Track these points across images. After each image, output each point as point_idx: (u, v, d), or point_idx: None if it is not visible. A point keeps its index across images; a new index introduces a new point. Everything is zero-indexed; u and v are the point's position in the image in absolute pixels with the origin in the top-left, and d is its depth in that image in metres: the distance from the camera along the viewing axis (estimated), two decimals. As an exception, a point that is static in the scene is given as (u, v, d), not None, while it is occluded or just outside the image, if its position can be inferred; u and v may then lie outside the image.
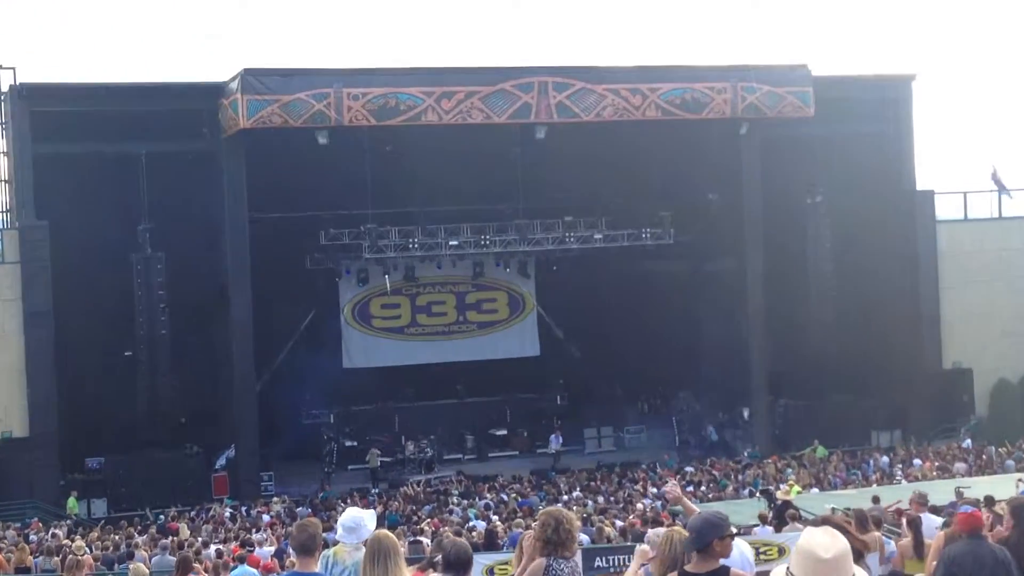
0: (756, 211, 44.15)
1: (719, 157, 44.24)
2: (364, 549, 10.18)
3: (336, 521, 28.67)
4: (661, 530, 10.81)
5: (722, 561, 7.99)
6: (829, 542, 5.93)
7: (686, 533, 8.53)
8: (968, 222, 48.00)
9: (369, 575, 8.42)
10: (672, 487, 10.36)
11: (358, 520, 9.68)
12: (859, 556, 7.71)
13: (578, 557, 9.57)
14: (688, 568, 8.00)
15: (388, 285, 46.18)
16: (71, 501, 37.72)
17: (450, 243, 43.55)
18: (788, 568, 6.00)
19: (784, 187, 44.77)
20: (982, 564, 10.14)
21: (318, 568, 9.74)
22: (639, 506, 29.97)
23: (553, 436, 45.67)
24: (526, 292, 49.69)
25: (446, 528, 26.85)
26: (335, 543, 10.54)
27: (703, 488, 34.11)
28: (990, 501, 18.25)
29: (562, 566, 9.11)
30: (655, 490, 33.01)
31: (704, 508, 14.62)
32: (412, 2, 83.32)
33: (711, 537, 7.98)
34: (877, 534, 16.40)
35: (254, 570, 18.34)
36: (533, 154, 42.61)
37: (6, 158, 40.61)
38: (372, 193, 41.34)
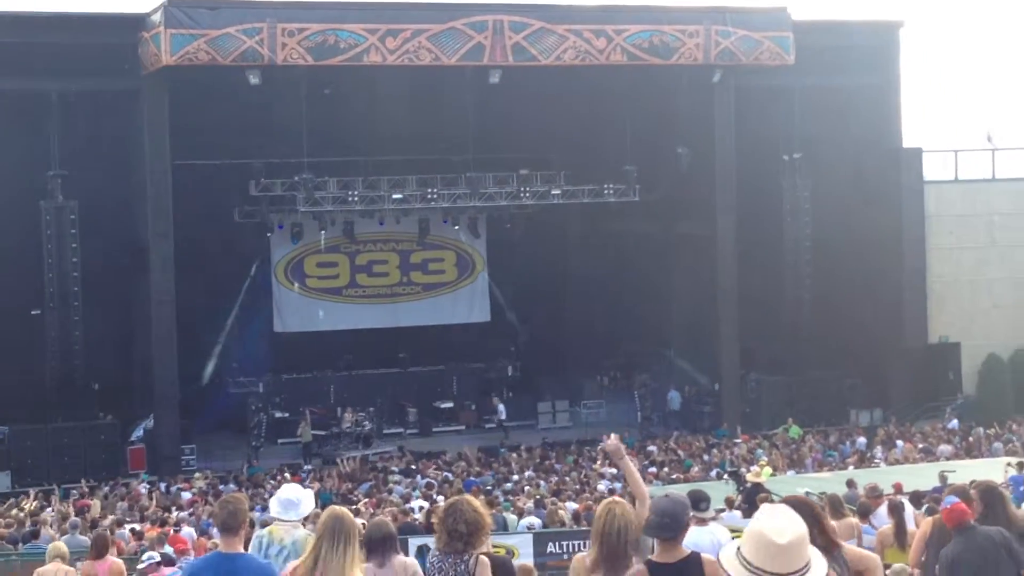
0: (729, 168, 44.20)
1: (689, 108, 44.24)
2: (303, 528, 10.14)
3: (264, 500, 28.69)
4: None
5: (690, 547, 7.90)
6: (785, 525, 5.86)
7: (631, 511, 8.32)
8: (958, 183, 48.27)
9: (328, 558, 8.33)
10: (613, 440, 10.06)
11: (298, 496, 9.63)
12: (827, 550, 7.61)
13: (528, 540, 9.51)
14: (654, 558, 7.84)
15: (323, 242, 46.03)
16: None
17: (393, 196, 43.39)
18: (739, 549, 5.95)
19: (760, 142, 44.85)
20: (984, 555, 10.43)
21: (249, 549, 9.68)
22: (600, 487, 30.07)
23: (500, 406, 45.77)
24: (476, 252, 49.66)
25: (384, 508, 26.86)
26: (266, 523, 10.49)
27: (666, 469, 34.26)
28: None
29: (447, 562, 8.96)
30: (614, 471, 33.13)
31: (665, 490, 14.62)
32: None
33: (686, 520, 7.89)
34: (854, 520, 16.55)
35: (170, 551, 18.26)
36: (486, 100, 42.47)
37: (-99, 94, 40.03)
38: (308, 140, 41.05)
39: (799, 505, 7.95)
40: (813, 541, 6.15)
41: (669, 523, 7.74)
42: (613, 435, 10.42)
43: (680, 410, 46.33)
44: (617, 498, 8.88)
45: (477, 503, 9.17)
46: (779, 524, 5.86)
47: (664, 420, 46.07)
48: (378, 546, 9.22)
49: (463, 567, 8.87)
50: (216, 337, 46.26)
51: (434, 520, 9.04)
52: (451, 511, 8.93)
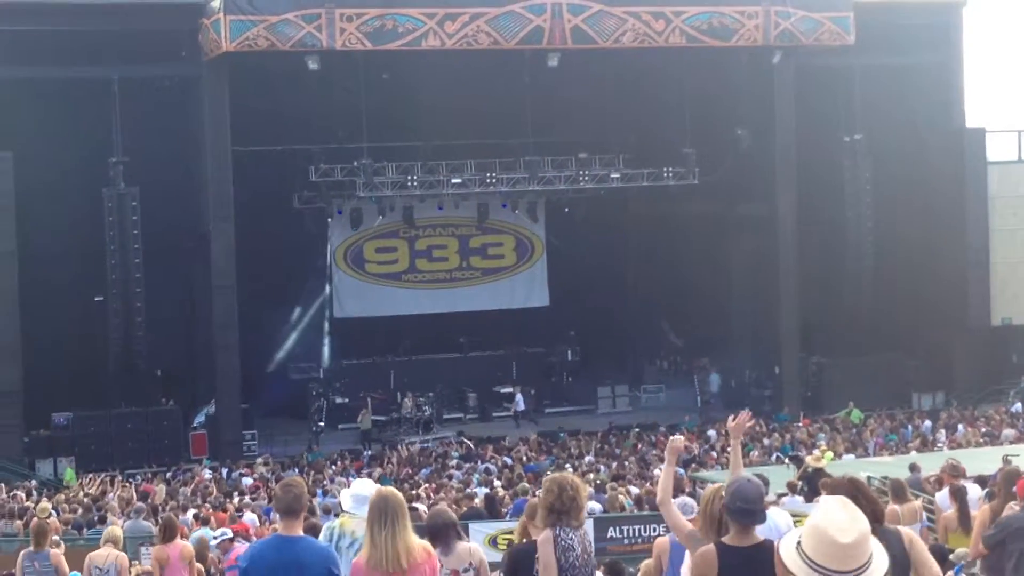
0: (789, 149, 43.96)
1: (749, 89, 44.05)
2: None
3: (325, 486, 28.84)
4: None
5: (763, 535, 7.79)
6: (848, 523, 5.77)
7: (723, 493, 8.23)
8: (1022, 163, 47.78)
9: (375, 536, 8.40)
10: (677, 439, 10.19)
11: (370, 491, 9.69)
12: (876, 522, 7.53)
13: (589, 526, 9.58)
14: (727, 541, 7.76)
15: (382, 227, 46.17)
16: (69, 472, 37.49)
17: (452, 181, 43.40)
18: (799, 543, 5.89)
19: (820, 123, 44.62)
20: None
21: (320, 539, 9.76)
22: (656, 472, 30.01)
23: (518, 396, 45.69)
24: (535, 236, 49.66)
25: (444, 494, 26.96)
26: (328, 509, 10.55)
27: (727, 453, 34.15)
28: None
29: (570, 536, 9.09)
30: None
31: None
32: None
33: (764, 504, 7.81)
34: (917, 504, 16.45)
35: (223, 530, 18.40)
36: (545, 83, 42.41)
37: (-35, 83, 40.41)
38: (367, 125, 41.16)
39: (845, 486, 7.88)
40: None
41: (750, 509, 7.66)
42: (679, 436, 10.60)
43: (719, 392, 46.30)
44: (723, 482, 8.92)
45: (573, 477, 9.43)
46: (842, 522, 5.77)
47: (725, 404, 45.89)
48: (440, 533, 9.32)
49: (583, 535, 9.16)
50: (276, 322, 46.52)
51: (550, 499, 9.14)
52: (563, 488, 9.13)
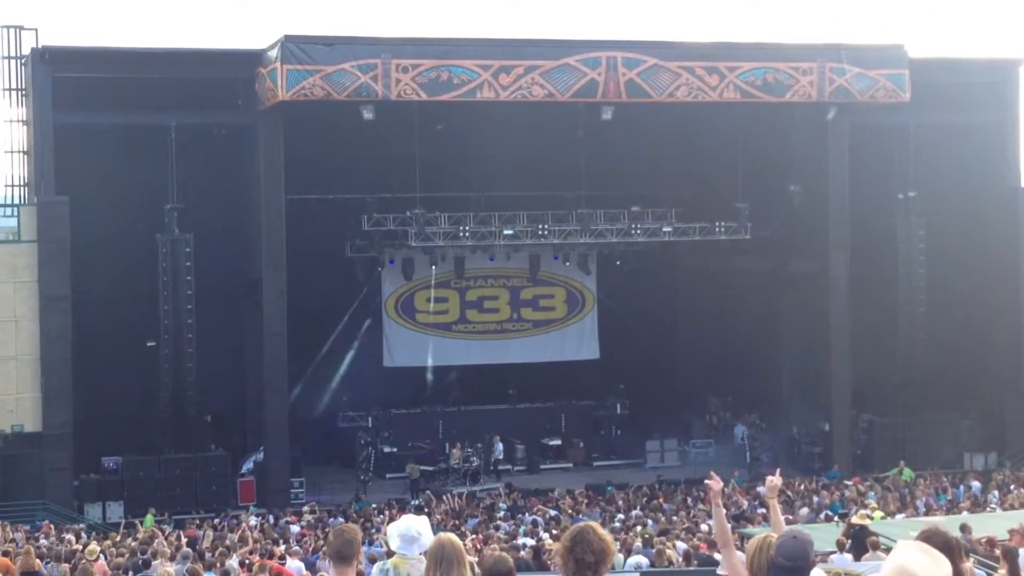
0: (843, 206, 43.91)
1: (803, 145, 44.07)
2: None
3: (372, 535, 28.86)
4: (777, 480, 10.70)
5: None
6: (932, 567, 5.79)
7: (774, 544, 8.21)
8: (1079, 224, 47.47)
9: None
10: (714, 483, 10.18)
11: (417, 529, 9.74)
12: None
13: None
14: None
15: (434, 277, 46.35)
16: (148, 518, 36.84)
17: (504, 233, 43.52)
18: None
19: (874, 180, 44.55)
20: None
21: (373, 576, 9.80)
22: (704, 527, 29.91)
23: (499, 444, 45.55)
24: (586, 288, 49.73)
25: (492, 545, 26.94)
26: (373, 558, 10.59)
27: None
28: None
29: None
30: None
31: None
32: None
33: (812, 559, 7.79)
34: (968, 565, 16.34)
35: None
36: (598, 136, 42.60)
37: (26, 128, 40.96)
38: (420, 175, 41.38)
39: (939, 538, 7.83)
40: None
41: (791, 566, 7.64)
42: (777, 474, 10.54)
43: (743, 443, 46.29)
44: (772, 533, 8.84)
45: (602, 531, 9.22)
46: (926, 564, 5.77)
47: (774, 461, 45.64)
48: None
49: None
50: (326, 371, 46.72)
51: (558, 549, 9.07)
52: (578, 540, 8.95)
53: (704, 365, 49.67)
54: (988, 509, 33.13)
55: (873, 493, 36.34)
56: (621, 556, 24.98)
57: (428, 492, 40.84)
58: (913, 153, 44.91)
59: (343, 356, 47.37)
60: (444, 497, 38.75)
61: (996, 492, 36.82)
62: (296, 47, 38.22)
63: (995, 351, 45.57)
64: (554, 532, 28.74)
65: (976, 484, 38.59)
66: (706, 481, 10.40)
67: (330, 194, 43.54)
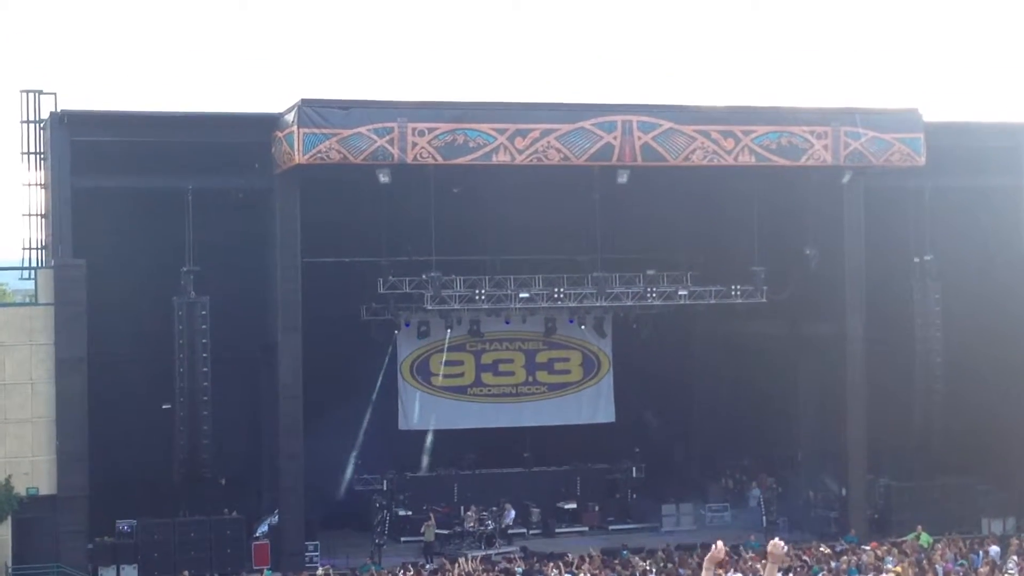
0: (858, 269, 43.91)
1: (818, 209, 44.10)
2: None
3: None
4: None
5: None
6: None
7: None
8: (1095, 287, 47.38)
9: None
10: (778, 544, 10.14)
11: None
12: None
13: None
14: None
15: (449, 340, 46.38)
16: None
17: (520, 296, 43.56)
18: None
19: (890, 244, 44.54)
20: None
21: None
22: (721, 592, 29.74)
23: (510, 512, 45.28)
24: (602, 352, 49.67)
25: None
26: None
27: (791, 574, 33.78)
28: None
29: None
30: (739, 575, 32.76)
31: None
32: (484, 32, 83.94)
33: None
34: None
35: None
36: (614, 200, 42.65)
37: (43, 191, 41.12)
38: (436, 238, 41.41)
39: None
40: None
41: None
42: (778, 541, 10.52)
43: (756, 507, 45.99)
44: None
45: None
46: None
47: (791, 525, 45.42)
48: None
49: None
50: (341, 433, 46.65)
51: None
52: None
53: (720, 428, 49.57)
54: (1007, 575, 32.91)
55: (891, 558, 36.11)
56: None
57: (443, 557, 40.68)
58: (929, 216, 44.90)
59: (359, 419, 47.26)
60: (459, 560, 38.58)
61: (1015, 557, 36.54)
62: (313, 111, 38.37)
63: (1012, 415, 45.38)
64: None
65: (995, 549, 38.32)
66: (773, 544, 10.38)
67: (346, 257, 43.65)
